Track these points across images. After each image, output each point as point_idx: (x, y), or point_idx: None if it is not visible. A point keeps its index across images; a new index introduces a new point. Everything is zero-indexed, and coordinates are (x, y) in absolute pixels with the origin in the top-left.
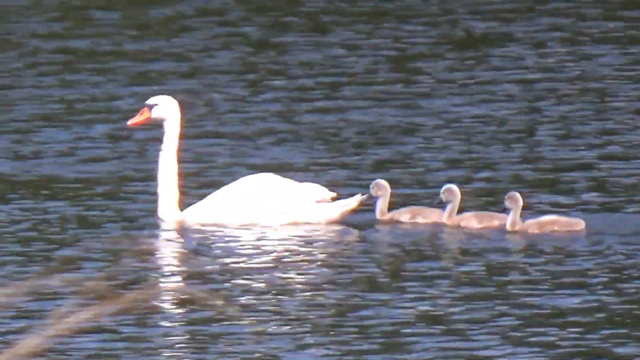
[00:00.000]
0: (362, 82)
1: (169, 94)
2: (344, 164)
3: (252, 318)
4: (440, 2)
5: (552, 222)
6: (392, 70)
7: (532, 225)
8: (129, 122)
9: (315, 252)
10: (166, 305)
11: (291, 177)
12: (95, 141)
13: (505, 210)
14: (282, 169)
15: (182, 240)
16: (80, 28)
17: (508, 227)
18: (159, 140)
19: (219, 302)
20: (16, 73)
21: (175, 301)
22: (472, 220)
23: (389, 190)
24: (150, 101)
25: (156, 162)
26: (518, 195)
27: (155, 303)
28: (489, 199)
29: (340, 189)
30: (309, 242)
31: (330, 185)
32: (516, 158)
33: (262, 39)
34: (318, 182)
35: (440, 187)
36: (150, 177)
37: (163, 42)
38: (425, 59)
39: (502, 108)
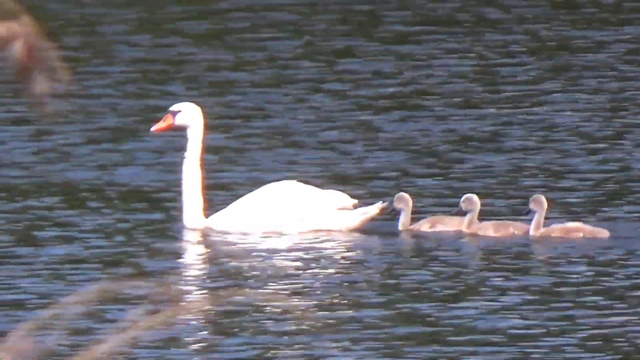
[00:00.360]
0: (445, 91)
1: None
2: (428, 174)
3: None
4: (524, 11)
5: (577, 229)
6: (474, 80)
7: (556, 230)
8: (153, 128)
9: (338, 259)
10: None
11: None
12: (175, 151)
13: (529, 212)
14: (366, 178)
15: (206, 247)
16: (162, 38)
17: (532, 230)
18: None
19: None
20: (99, 82)
21: (226, 307)
22: (489, 229)
23: (411, 204)
24: (174, 107)
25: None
26: (543, 197)
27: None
28: (573, 209)
29: (425, 200)
30: (331, 249)
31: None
32: (600, 167)
33: (344, 48)
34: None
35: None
36: (226, 186)
37: (245, 52)
38: (509, 67)
39: (587, 117)
